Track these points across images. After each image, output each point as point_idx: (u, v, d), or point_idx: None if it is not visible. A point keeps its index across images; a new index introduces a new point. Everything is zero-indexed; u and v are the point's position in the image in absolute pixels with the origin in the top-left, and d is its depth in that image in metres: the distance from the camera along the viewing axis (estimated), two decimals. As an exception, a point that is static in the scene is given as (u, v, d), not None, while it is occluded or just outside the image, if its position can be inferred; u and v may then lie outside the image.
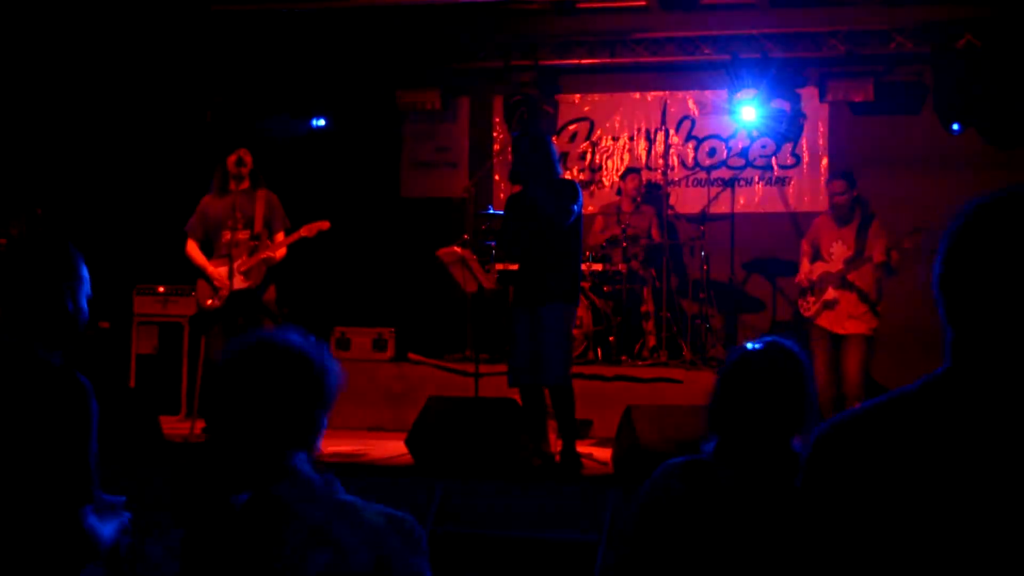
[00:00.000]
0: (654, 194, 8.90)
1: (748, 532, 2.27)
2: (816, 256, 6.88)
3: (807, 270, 6.88)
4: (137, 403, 5.94)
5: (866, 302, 6.69)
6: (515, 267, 7.86)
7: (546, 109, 9.20)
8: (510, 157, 5.86)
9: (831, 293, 6.72)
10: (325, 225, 6.55)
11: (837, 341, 6.73)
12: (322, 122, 9.39)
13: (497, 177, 9.42)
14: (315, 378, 1.96)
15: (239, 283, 6.37)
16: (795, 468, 1.55)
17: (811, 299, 6.83)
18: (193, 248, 6.57)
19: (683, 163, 9.25)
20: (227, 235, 6.41)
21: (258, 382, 1.92)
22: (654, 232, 8.50)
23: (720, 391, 2.47)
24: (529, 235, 5.63)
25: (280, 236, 6.56)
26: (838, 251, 6.76)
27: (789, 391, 2.40)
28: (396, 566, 1.84)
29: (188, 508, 1.90)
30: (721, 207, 8.90)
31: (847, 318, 6.69)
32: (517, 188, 5.87)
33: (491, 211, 8.29)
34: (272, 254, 6.44)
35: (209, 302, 6.48)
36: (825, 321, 6.76)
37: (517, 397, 5.75)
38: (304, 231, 6.54)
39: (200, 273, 6.54)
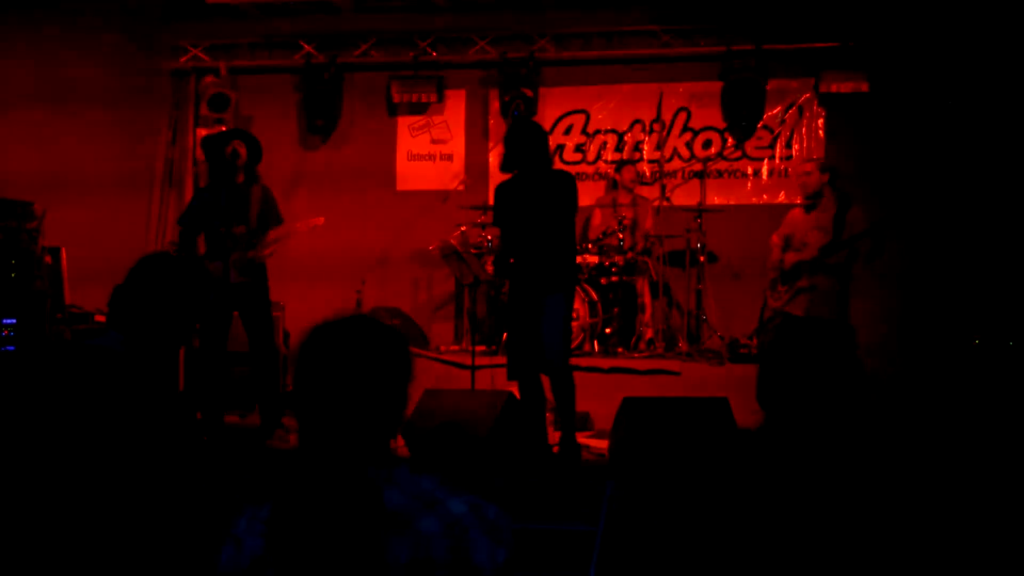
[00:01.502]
0: (650, 186, 8.90)
1: None
2: (787, 247, 6.94)
3: (777, 259, 6.95)
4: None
5: (841, 284, 6.75)
6: (511, 259, 7.92)
7: (541, 101, 9.20)
8: (501, 147, 5.81)
9: (806, 280, 6.78)
10: (320, 221, 6.54)
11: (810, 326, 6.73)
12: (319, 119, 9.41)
13: (492, 170, 9.42)
14: (406, 353, 1.94)
15: (234, 278, 6.34)
16: None
17: (782, 289, 6.89)
18: (187, 241, 6.54)
19: (679, 155, 9.25)
20: (221, 228, 6.38)
21: (362, 361, 1.89)
22: (650, 224, 8.50)
23: None
24: (527, 225, 5.60)
25: (273, 232, 6.52)
26: (814, 239, 6.80)
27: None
28: (477, 558, 1.81)
29: (281, 486, 1.86)
30: (717, 199, 8.91)
31: (819, 301, 6.68)
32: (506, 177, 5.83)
33: (486, 204, 8.29)
34: (260, 254, 6.41)
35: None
36: (797, 308, 6.77)
37: (514, 389, 5.75)
38: (299, 226, 6.51)
39: None
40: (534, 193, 5.58)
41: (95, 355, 2.46)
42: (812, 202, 6.89)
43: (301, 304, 8.39)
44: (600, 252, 8.07)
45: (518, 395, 5.68)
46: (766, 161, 9.11)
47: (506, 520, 1.88)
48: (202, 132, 9.27)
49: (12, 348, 6.57)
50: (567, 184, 5.62)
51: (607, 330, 7.96)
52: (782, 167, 9.09)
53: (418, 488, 1.86)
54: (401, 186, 9.66)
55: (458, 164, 9.52)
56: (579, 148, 9.44)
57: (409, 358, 1.94)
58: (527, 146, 5.59)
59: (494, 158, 9.41)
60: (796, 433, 2.30)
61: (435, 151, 9.65)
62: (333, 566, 1.77)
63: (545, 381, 5.70)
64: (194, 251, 6.55)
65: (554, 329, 5.53)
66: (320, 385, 1.88)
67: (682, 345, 7.94)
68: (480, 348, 7.17)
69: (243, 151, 6.43)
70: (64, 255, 7.52)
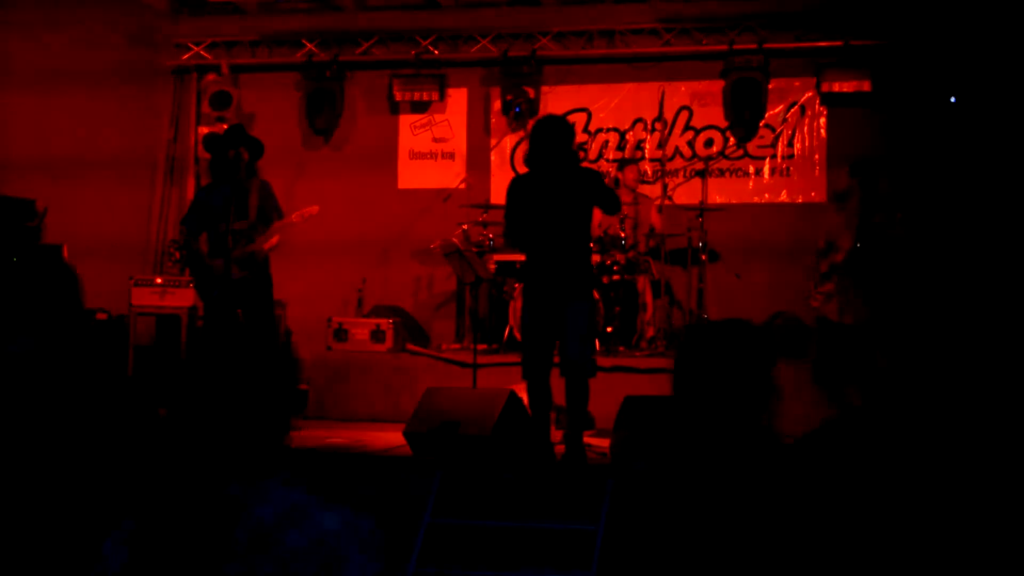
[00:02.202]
0: (652, 185, 8.90)
1: None
2: (828, 250, 6.90)
3: (814, 263, 6.92)
4: (137, 394, 5.92)
5: (867, 287, 6.72)
6: (511, 257, 7.92)
7: (543, 100, 9.20)
8: (505, 149, 5.74)
9: (835, 283, 6.75)
10: (314, 210, 6.49)
11: (837, 331, 6.70)
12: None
13: (494, 168, 9.42)
14: (278, 364, 1.93)
15: (236, 273, 6.34)
16: None
17: (818, 291, 6.86)
18: (188, 239, 6.52)
19: (681, 154, 9.24)
20: (223, 226, 6.38)
21: (239, 377, 1.88)
22: (652, 223, 8.50)
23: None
24: (548, 224, 5.47)
25: (274, 226, 6.51)
26: (844, 242, 6.81)
27: None
28: (348, 574, 1.77)
29: (151, 495, 1.83)
30: (719, 198, 8.91)
31: (847, 305, 6.69)
32: (514, 174, 5.78)
33: (488, 203, 8.29)
34: (259, 248, 6.39)
35: (206, 294, 6.44)
36: (829, 311, 6.74)
37: (515, 387, 5.73)
38: (294, 217, 6.47)
39: (197, 263, 6.47)
40: (556, 192, 5.45)
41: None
42: (841, 204, 6.89)
43: (303, 302, 8.41)
44: (601, 251, 8.06)
45: (525, 392, 5.65)
46: (768, 160, 9.10)
47: (380, 534, 1.83)
48: (203, 130, 9.28)
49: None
50: (596, 181, 5.54)
51: (608, 329, 7.95)
52: (784, 166, 9.09)
53: (288, 502, 1.80)
54: (403, 184, 9.66)
55: (460, 162, 9.52)
56: (581, 147, 9.42)
57: (278, 370, 1.93)
58: (551, 144, 5.45)
59: (496, 156, 9.41)
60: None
61: (437, 149, 9.65)
62: None
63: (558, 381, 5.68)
64: (197, 251, 6.54)
65: (582, 337, 5.48)
66: (203, 399, 1.88)
67: (683, 344, 7.92)
68: (482, 346, 7.17)
69: (246, 156, 6.43)
70: (66, 252, 7.51)
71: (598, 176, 5.64)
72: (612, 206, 5.67)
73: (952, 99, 8.24)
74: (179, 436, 1.89)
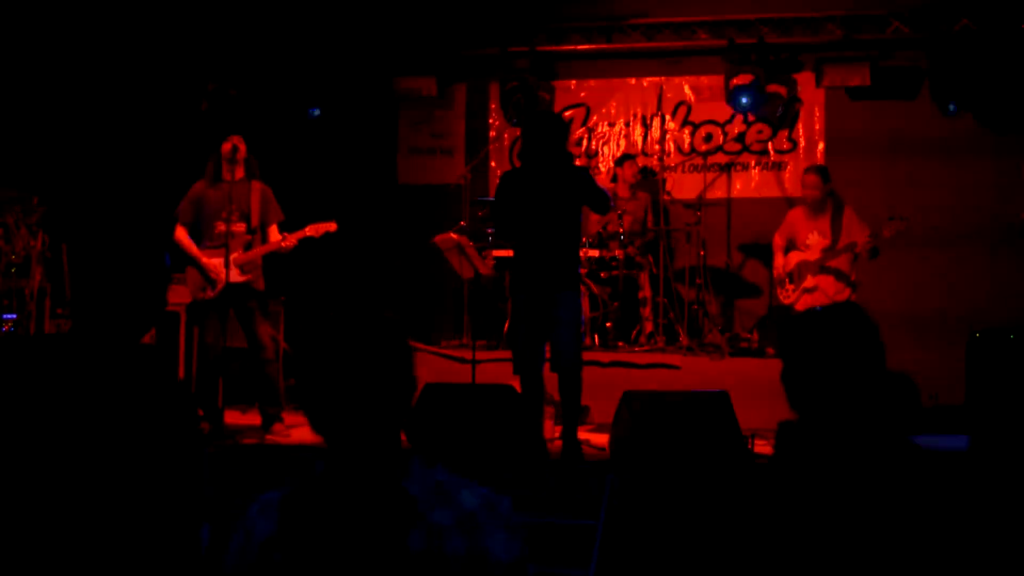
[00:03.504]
0: (651, 180, 8.90)
1: None
2: (790, 247, 7.32)
3: (782, 262, 7.31)
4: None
5: (843, 281, 7.13)
6: (509, 252, 7.91)
7: (542, 95, 9.18)
8: (504, 144, 5.72)
9: (810, 280, 7.13)
10: (332, 227, 6.41)
11: None
12: (317, 111, 9.38)
13: (493, 164, 9.41)
14: (406, 343, 1.94)
15: (235, 276, 6.31)
16: None
17: (790, 287, 7.26)
18: (183, 234, 6.41)
19: (679, 149, 9.24)
20: (221, 226, 6.35)
21: (368, 354, 1.89)
22: (650, 218, 8.50)
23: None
24: (537, 219, 5.49)
25: (274, 229, 6.48)
26: (815, 241, 7.18)
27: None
28: (494, 552, 1.81)
29: (299, 473, 1.87)
30: (717, 192, 8.91)
31: (828, 301, 6.89)
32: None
33: (487, 198, 8.29)
34: (285, 245, 6.36)
35: (202, 293, 6.42)
36: (803, 306, 7.08)
37: (514, 383, 5.74)
38: (309, 230, 6.42)
39: (191, 261, 6.43)
40: (546, 188, 5.46)
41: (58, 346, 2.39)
42: (816, 209, 7.25)
43: (301, 299, 8.40)
44: (600, 246, 8.06)
45: (519, 389, 5.67)
46: (767, 154, 9.10)
47: (518, 516, 1.88)
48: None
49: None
50: (586, 179, 5.53)
51: (607, 324, 7.95)
52: (783, 160, 9.08)
53: (431, 480, 1.85)
54: (402, 179, 9.65)
55: (459, 158, 9.51)
56: (579, 142, 9.42)
57: (409, 347, 1.95)
58: (545, 139, 5.44)
59: (495, 152, 9.40)
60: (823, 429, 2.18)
61: (436, 145, 9.64)
62: (350, 551, 1.77)
63: (551, 377, 5.69)
64: (188, 244, 6.49)
65: (570, 330, 5.50)
66: (328, 380, 1.88)
67: (683, 339, 7.94)
68: (480, 342, 7.17)
69: (243, 146, 6.40)
70: (65, 249, 7.51)
71: (589, 175, 5.62)
72: (602, 206, 5.65)
73: (952, 107, 8.25)
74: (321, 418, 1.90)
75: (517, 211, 5.53)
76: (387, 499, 1.80)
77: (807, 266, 7.16)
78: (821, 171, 7.31)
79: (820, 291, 7.10)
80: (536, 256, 5.53)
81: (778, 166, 9.09)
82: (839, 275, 7.13)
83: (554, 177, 5.47)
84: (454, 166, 9.38)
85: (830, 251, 7.13)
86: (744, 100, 8.64)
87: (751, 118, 9.02)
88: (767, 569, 2.09)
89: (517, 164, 5.70)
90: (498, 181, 5.78)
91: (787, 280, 7.27)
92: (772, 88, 8.80)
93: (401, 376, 1.90)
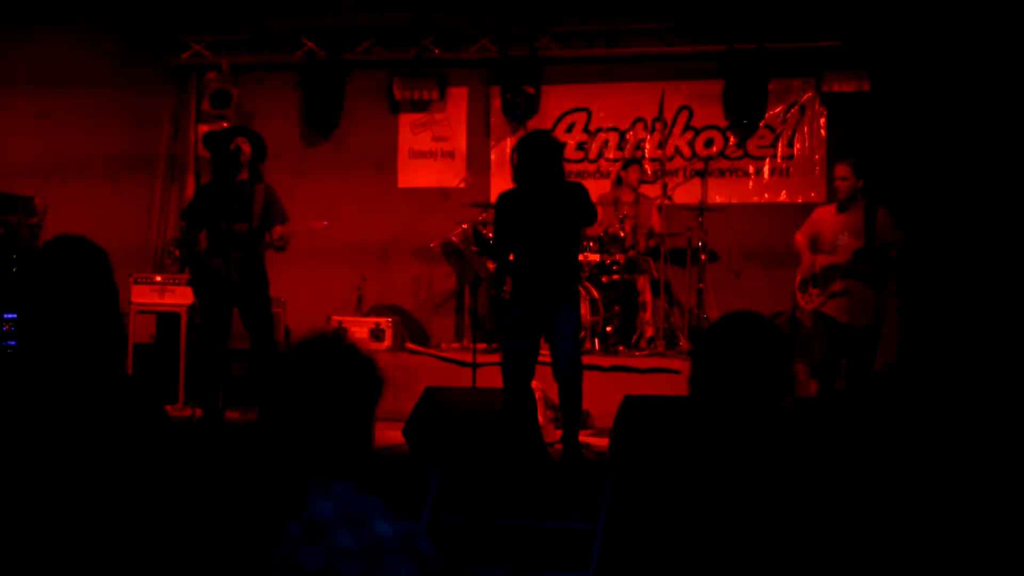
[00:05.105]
0: (652, 184, 8.90)
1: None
2: (816, 248, 6.73)
3: (811, 260, 6.70)
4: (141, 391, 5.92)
5: (875, 290, 6.53)
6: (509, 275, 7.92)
7: (543, 99, 9.20)
8: (512, 159, 5.68)
9: (839, 284, 6.56)
10: (322, 224, 6.56)
11: (843, 331, 6.60)
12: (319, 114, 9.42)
13: (494, 167, 9.42)
14: (374, 374, 2.03)
15: (235, 276, 6.33)
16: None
17: (814, 291, 6.66)
18: (196, 235, 6.50)
19: (680, 153, 9.25)
20: (224, 227, 6.37)
21: (331, 377, 1.96)
22: (652, 222, 8.50)
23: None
24: (534, 239, 5.54)
25: (278, 230, 6.51)
26: (845, 242, 6.58)
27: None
28: None
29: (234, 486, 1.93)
30: (718, 197, 8.91)
31: (858, 307, 6.54)
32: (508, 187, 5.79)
33: (488, 202, 8.29)
34: (277, 243, 6.40)
35: (204, 293, 6.43)
36: (832, 310, 6.56)
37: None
38: (300, 227, 6.49)
39: (196, 262, 6.45)
40: (543, 207, 5.49)
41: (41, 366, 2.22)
42: (846, 204, 6.63)
43: (302, 300, 8.41)
44: (601, 250, 8.06)
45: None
46: (768, 160, 9.11)
47: (435, 553, 1.91)
48: (203, 128, 9.27)
49: (13, 343, 6.57)
50: (579, 195, 5.55)
51: (608, 328, 7.96)
52: (784, 166, 9.09)
53: (348, 505, 1.89)
54: (403, 183, 9.66)
55: (460, 161, 9.52)
56: (581, 146, 9.43)
57: (377, 379, 2.03)
58: (538, 160, 5.47)
59: (496, 155, 9.41)
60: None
61: (437, 148, 9.65)
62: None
63: (552, 383, 5.70)
64: (196, 247, 6.54)
65: (569, 338, 5.55)
66: (289, 400, 1.96)
67: (683, 344, 7.94)
68: (481, 345, 7.17)
69: (247, 148, 6.41)
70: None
71: (582, 191, 5.63)
72: (590, 220, 5.76)
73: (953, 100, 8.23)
74: (266, 433, 1.99)
75: (516, 230, 5.60)
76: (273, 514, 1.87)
77: (837, 268, 6.56)
78: (853, 163, 6.68)
79: (854, 297, 6.52)
80: (535, 272, 5.59)
81: (780, 172, 9.09)
82: (873, 283, 6.52)
83: (549, 196, 5.50)
84: (455, 169, 9.40)
85: (863, 253, 6.48)
86: (745, 105, 8.65)
87: (752, 124, 9.02)
88: (767, 570, 2.10)
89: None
90: (495, 203, 5.84)
91: (811, 283, 6.70)
92: (772, 94, 8.81)
93: (359, 407, 2.01)
